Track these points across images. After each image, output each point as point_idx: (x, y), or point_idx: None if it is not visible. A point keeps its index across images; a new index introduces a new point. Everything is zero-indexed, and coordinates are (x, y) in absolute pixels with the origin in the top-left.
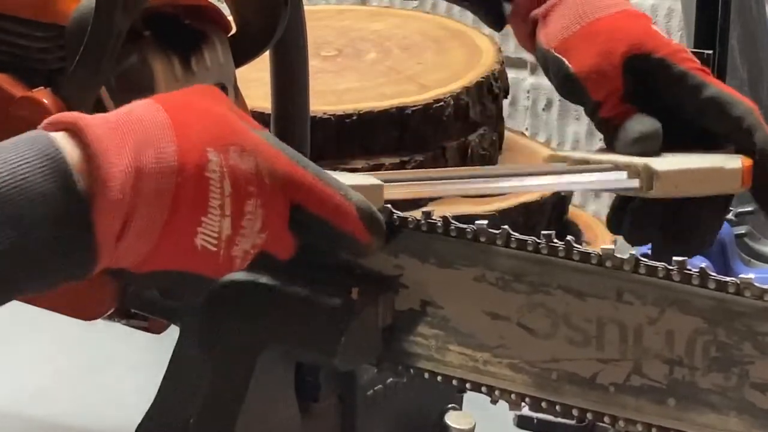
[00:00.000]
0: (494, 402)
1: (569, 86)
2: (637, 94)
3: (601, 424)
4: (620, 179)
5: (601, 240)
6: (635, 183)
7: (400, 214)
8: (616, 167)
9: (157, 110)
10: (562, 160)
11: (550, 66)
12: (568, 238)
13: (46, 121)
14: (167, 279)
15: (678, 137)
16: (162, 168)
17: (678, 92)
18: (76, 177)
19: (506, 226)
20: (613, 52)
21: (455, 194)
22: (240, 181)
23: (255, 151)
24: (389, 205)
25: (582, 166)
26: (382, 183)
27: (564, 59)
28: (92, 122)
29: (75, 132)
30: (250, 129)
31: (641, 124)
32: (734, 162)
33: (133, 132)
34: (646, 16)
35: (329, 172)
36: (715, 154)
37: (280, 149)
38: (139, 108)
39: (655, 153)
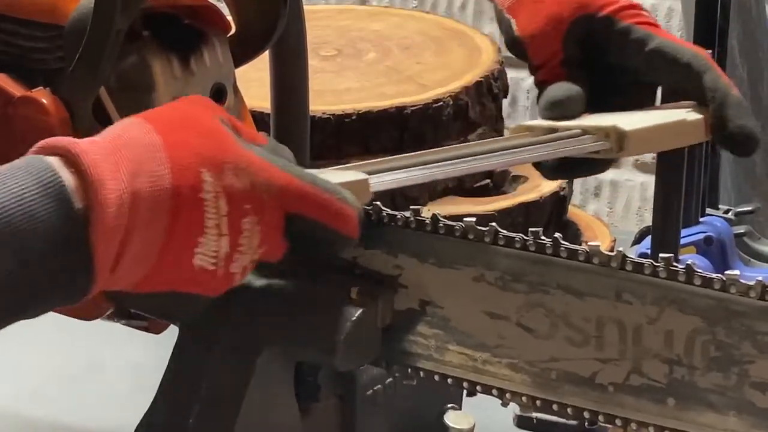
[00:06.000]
0: (505, 405)
1: (514, 47)
2: (586, 56)
3: (600, 423)
4: (592, 143)
5: (600, 240)
6: (607, 145)
7: (390, 212)
8: (585, 132)
9: (149, 132)
10: (528, 130)
11: (502, 25)
12: (557, 235)
13: (38, 145)
14: (164, 299)
15: (633, 96)
16: (157, 191)
17: (623, 48)
18: (75, 204)
19: (494, 224)
20: (559, 16)
21: (436, 179)
22: (235, 200)
23: (249, 167)
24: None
25: (551, 135)
26: (367, 177)
27: (512, 20)
28: (86, 148)
29: (69, 158)
30: (243, 143)
31: (556, 90)
32: (695, 113)
33: (127, 155)
34: None
35: (316, 171)
36: (672, 109)
37: (274, 162)
38: (130, 129)
39: (577, 114)
